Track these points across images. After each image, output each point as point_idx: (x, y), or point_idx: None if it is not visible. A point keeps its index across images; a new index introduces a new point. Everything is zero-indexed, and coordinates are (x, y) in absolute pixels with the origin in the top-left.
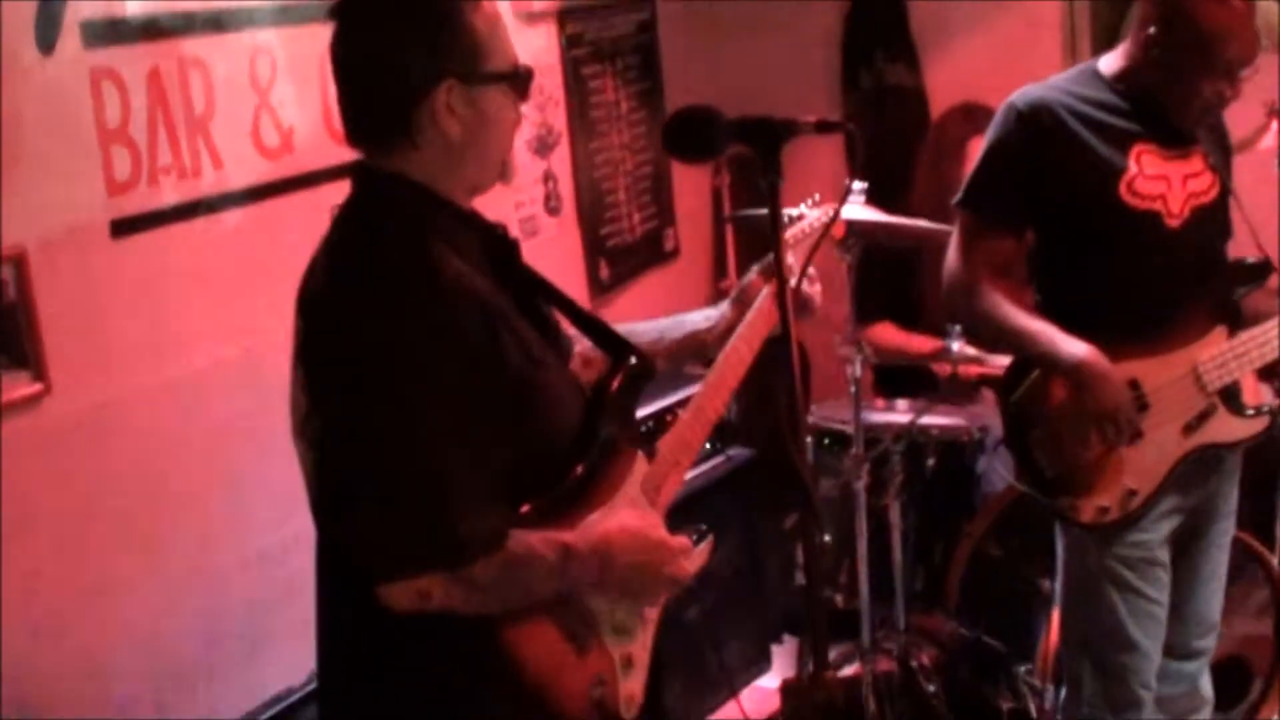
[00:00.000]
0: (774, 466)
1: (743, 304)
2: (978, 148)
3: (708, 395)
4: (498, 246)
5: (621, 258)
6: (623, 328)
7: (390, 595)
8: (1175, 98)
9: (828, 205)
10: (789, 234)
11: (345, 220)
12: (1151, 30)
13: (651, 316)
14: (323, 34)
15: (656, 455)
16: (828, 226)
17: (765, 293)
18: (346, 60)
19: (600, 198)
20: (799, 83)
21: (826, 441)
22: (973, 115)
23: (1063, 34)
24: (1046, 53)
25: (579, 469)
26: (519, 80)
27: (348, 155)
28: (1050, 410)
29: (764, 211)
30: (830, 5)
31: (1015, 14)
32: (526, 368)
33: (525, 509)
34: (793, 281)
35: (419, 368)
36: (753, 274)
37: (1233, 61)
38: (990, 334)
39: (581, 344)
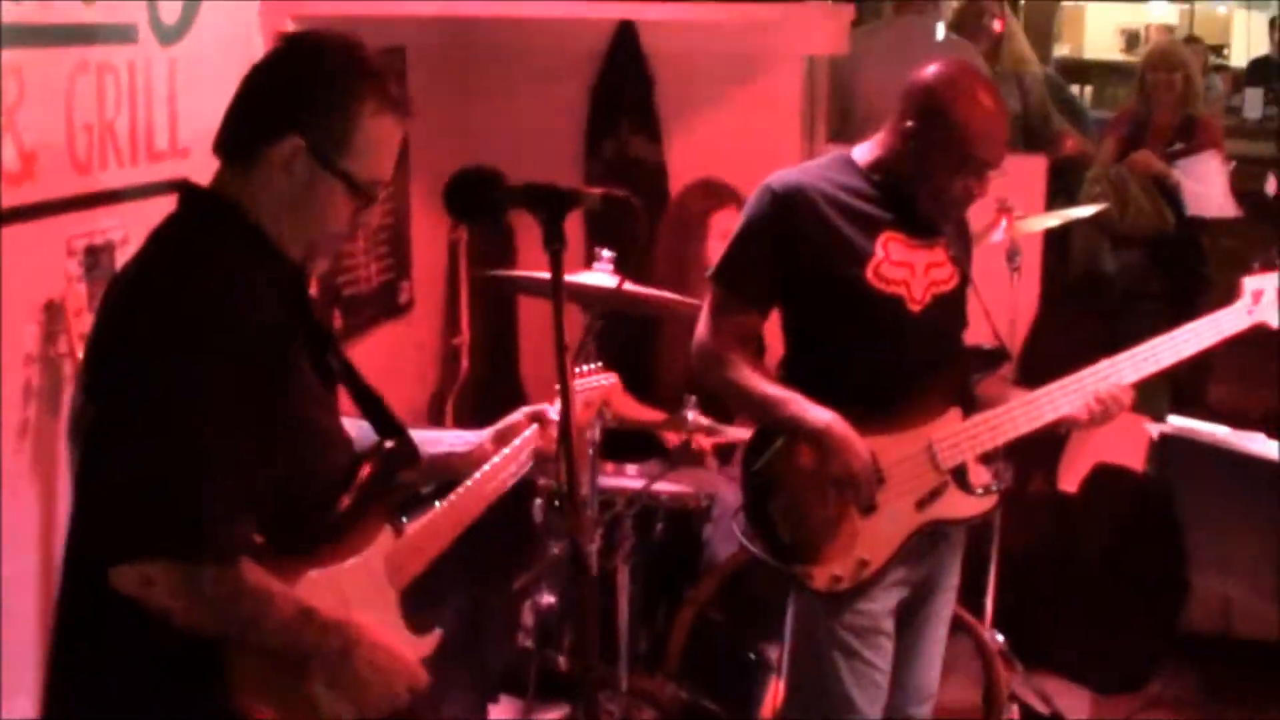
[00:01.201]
0: (500, 526)
1: (503, 439)
2: (718, 222)
3: (466, 500)
4: (299, 295)
5: (356, 308)
6: None
7: (118, 577)
8: (927, 191)
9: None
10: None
11: (163, 233)
12: (910, 124)
13: (384, 369)
14: (71, 57)
15: (403, 536)
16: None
17: (526, 437)
18: (253, 75)
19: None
20: (543, 147)
21: (556, 503)
22: (713, 191)
23: (801, 117)
24: (785, 133)
25: (323, 521)
26: (360, 194)
27: (92, 184)
28: (793, 476)
29: (526, 274)
30: (578, 74)
31: (756, 95)
32: (304, 406)
33: (260, 539)
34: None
35: (199, 377)
36: (519, 415)
37: (985, 161)
38: (739, 401)
39: None
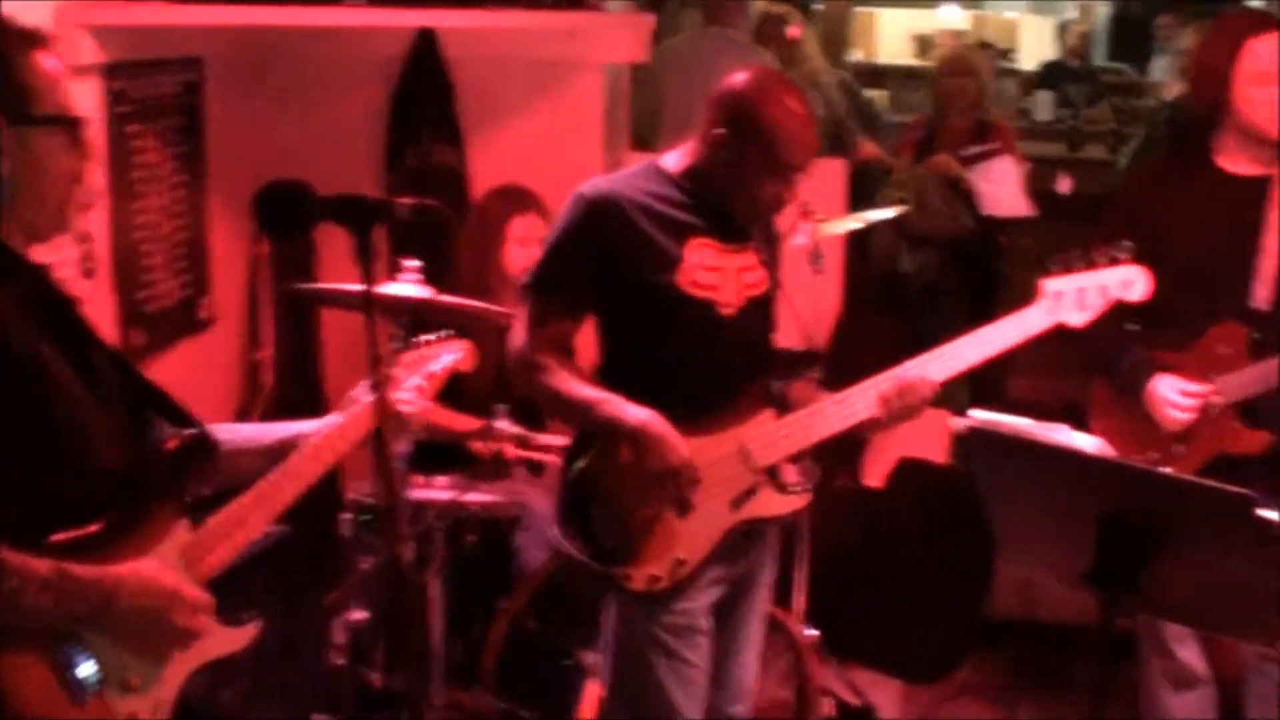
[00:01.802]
0: (312, 544)
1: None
2: (516, 228)
3: (279, 481)
4: (48, 295)
5: (156, 324)
6: (226, 428)
7: None
8: (738, 197)
9: (457, 342)
10: (408, 356)
11: None
12: (720, 131)
13: (185, 386)
14: None
15: (205, 527)
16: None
17: (361, 401)
18: None
19: (137, 261)
20: (344, 157)
21: (365, 517)
22: (511, 196)
23: (602, 124)
24: (586, 141)
25: (108, 519)
26: (70, 126)
27: None
28: (612, 477)
29: (331, 286)
30: (379, 82)
31: (557, 102)
32: (58, 407)
33: (52, 539)
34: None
35: None
36: (362, 386)
37: (794, 166)
38: (557, 407)
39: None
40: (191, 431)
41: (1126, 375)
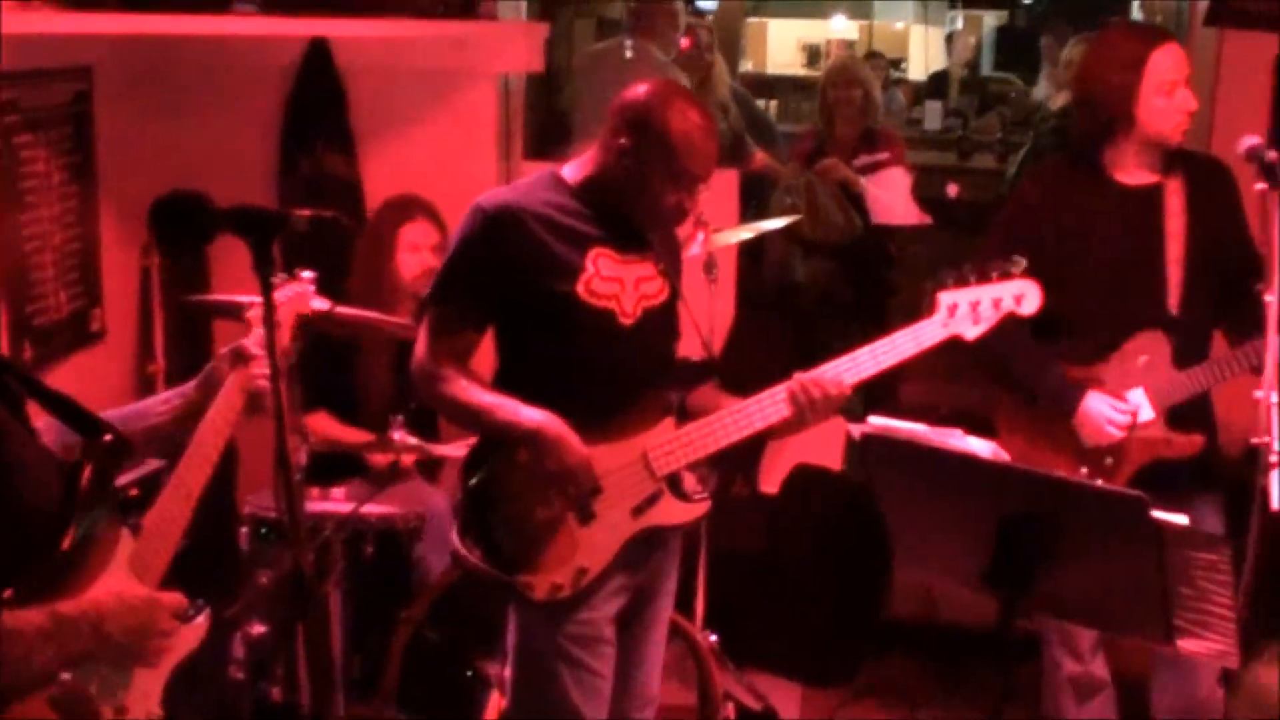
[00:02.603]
0: (209, 557)
1: (209, 386)
2: (407, 235)
3: (188, 470)
4: None
5: (47, 338)
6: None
7: None
8: (641, 205)
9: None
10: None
11: None
12: (623, 141)
13: (77, 399)
14: None
15: (142, 532)
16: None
17: (234, 376)
18: None
19: (26, 273)
20: (237, 167)
21: (263, 530)
22: (401, 204)
23: (497, 134)
24: (480, 150)
25: (60, 549)
26: None
27: None
28: (513, 483)
29: (225, 298)
30: (272, 92)
31: (452, 112)
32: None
33: (8, 593)
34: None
35: None
36: (220, 356)
37: (695, 175)
38: (457, 415)
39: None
40: (107, 439)
41: (1053, 393)
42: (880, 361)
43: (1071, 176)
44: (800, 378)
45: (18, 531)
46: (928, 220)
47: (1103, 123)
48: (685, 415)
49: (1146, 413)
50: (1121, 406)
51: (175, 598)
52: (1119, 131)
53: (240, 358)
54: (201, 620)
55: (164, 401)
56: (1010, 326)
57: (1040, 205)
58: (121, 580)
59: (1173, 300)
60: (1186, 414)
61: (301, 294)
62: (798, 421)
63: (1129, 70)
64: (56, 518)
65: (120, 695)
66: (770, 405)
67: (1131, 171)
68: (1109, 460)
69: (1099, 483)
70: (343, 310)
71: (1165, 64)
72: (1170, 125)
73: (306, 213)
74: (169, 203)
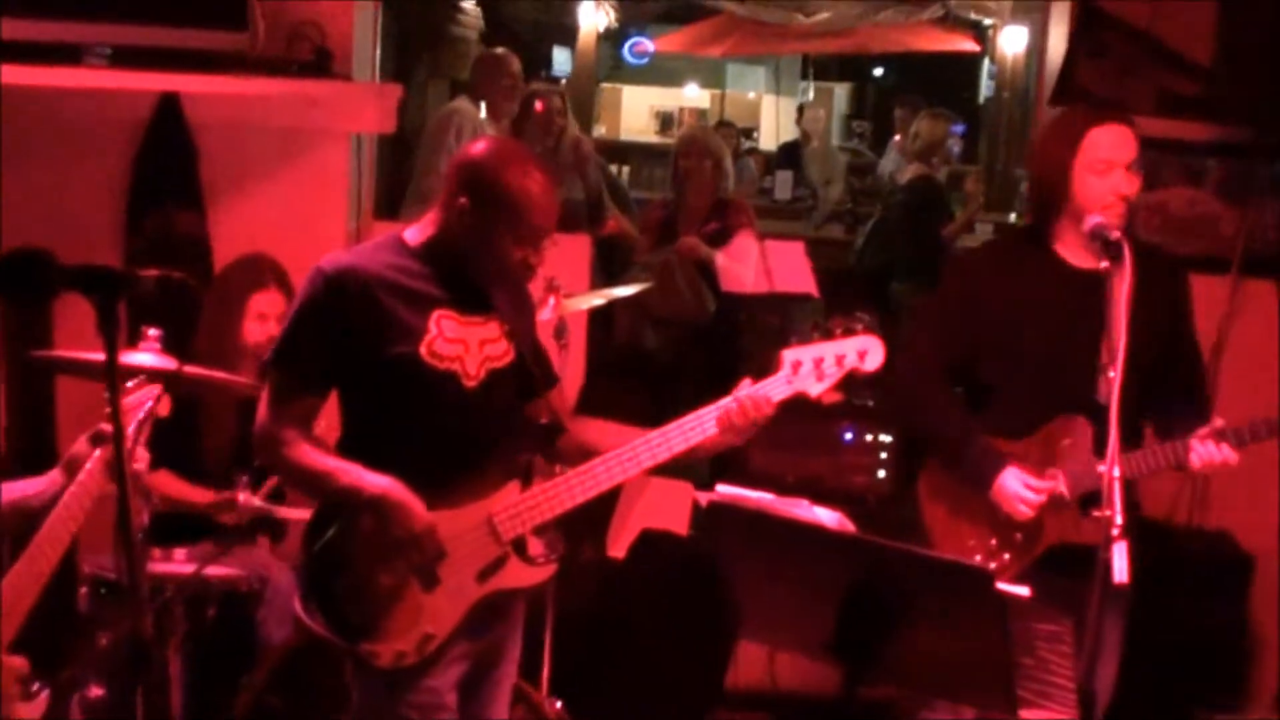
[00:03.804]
0: (48, 618)
1: (72, 469)
2: (257, 304)
3: (41, 548)
4: None
5: None
6: None
7: None
8: (486, 265)
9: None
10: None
11: None
12: (463, 200)
13: None
14: None
15: None
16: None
17: (95, 457)
18: None
19: None
20: (81, 222)
21: (103, 591)
22: (254, 270)
23: (348, 194)
24: (331, 210)
25: None
26: None
27: None
28: (356, 549)
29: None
30: (119, 147)
31: (303, 170)
32: None
33: None
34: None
35: None
36: (81, 441)
37: (538, 229)
38: (299, 480)
39: None
40: None
41: (972, 464)
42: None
43: (1022, 251)
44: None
45: None
46: (814, 292)
47: (1044, 199)
48: (531, 478)
49: (1063, 495)
50: (1036, 485)
51: (20, 664)
52: (1060, 209)
53: (101, 440)
54: (43, 698)
55: (32, 485)
56: (938, 391)
57: (989, 273)
58: None
59: (1105, 388)
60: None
61: (149, 399)
62: (730, 436)
63: (1066, 146)
64: None
65: None
66: (616, 466)
67: (1078, 253)
68: (1019, 536)
69: (979, 562)
70: (191, 369)
71: (1102, 142)
72: (1100, 205)
73: (154, 273)
74: (11, 259)
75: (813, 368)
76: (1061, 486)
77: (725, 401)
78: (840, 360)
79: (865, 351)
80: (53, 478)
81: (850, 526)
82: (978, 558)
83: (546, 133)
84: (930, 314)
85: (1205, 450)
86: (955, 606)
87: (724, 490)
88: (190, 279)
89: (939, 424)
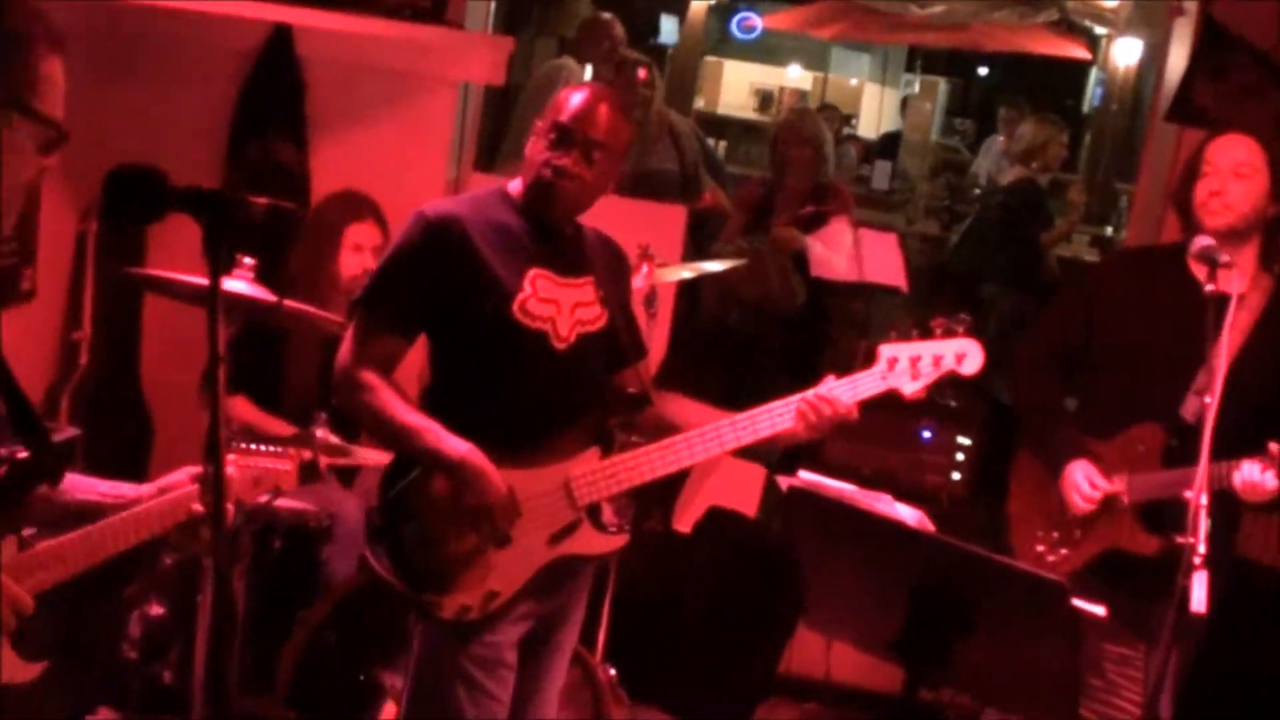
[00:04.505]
0: None
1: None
2: (353, 235)
3: (104, 535)
4: None
5: None
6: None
7: None
8: (528, 180)
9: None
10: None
11: None
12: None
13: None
14: None
15: (29, 551)
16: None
17: (187, 490)
18: None
19: None
20: (185, 144)
21: None
22: (351, 203)
23: (450, 143)
24: (432, 157)
25: None
26: (53, 130)
27: None
28: (429, 506)
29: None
30: (228, 73)
31: (408, 115)
32: None
33: None
34: None
35: None
36: (183, 473)
37: (565, 130)
38: (377, 428)
39: None
40: (39, 453)
41: (1051, 451)
42: None
43: (1159, 262)
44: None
45: None
46: (903, 286)
47: (1180, 210)
48: (612, 446)
49: (1121, 499)
50: (1098, 483)
51: (24, 598)
52: (1189, 226)
53: (202, 482)
54: (37, 668)
55: (112, 489)
56: (1041, 374)
57: (1120, 276)
58: None
59: (1192, 405)
60: (1171, 517)
61: (283, 472)
62: (804, 431)
63: (1195, 158)
64: None
65: None
66: (699, 445)
67: (1205, 269)
68: (1078, 533)
69: (1041, 554)
70: (290, 304)
71: (1211, 149)
72: (1202, 209)
73: (264, 201)
74: (125, 174)
75: (909, 366)
76: (1121, 491)
77: (807, 394)
78: (938, 361)
79: (964, 355)
80: (140, 496)
81: (930, 526)
82: (1040, 548)
83: (634, 101)
84: (1057, 302)
85: (1248, 472)
86: (1028, 618)
87: (806, 477)
88: (299, 211)
89: (1033, 403)
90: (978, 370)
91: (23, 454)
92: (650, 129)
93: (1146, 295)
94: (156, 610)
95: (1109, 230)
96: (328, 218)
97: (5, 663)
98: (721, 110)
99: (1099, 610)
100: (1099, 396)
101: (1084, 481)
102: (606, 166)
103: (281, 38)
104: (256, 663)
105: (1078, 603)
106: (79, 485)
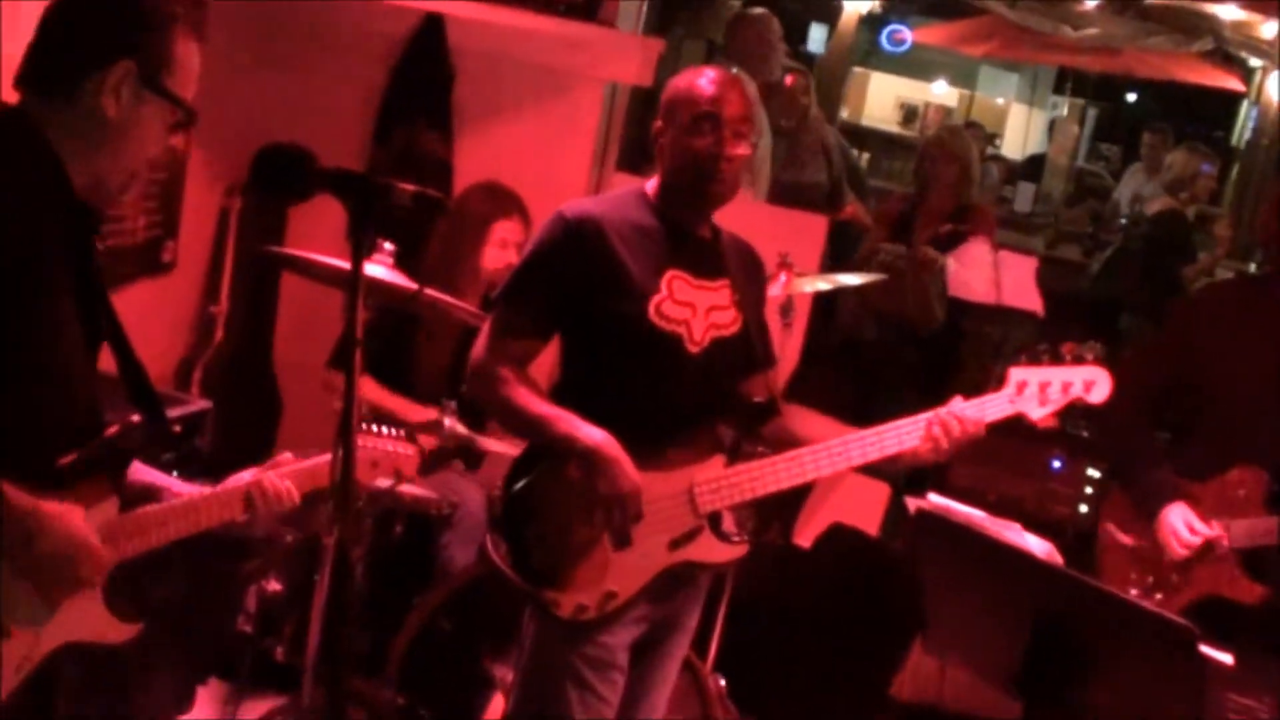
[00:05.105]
0: None
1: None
2: (499, 230)
3: (207, 505)
4: (85, 244)
5: (117, 260)
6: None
7: None
8: (684, 172)
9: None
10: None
11: None
12: (657, 125)
13: (135, 327)
14: None
15: (130, 514)
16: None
17: (246, 481)
18: (63, 6)
19: None
20: (332, 127)
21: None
22: (499, 197)
23: (594, 141)
24: (576, 155)
25: (47, 465)
26: (183, 112)
27: None
28: (557, 498)
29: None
30: (379, 59)
31: (555, 111)
32: (54, 346)
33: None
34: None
35: None
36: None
37: (709, 115)
38: (511, 420)
39: None
40: (148, 421)
41: (1146, 494)
42: None
43: (1256, 297)
44: (938, 412)
45: (34, 423)
46: (1039, 311)
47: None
48: (739, 454)
49: (1222, 545)
50: (1197, 527)
51: (110, 558)
52: None
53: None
54: (131, 630)
55: (177, 484)
56: (1135, 415)
57: (1216, 312)
58: (79, 519)
59: None
60: (1266, 563)
61: (404, 456)
62: (930, 453)
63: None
64: (70, 437)
65: (11, 619)
66: (825, 458)
67: None
68: (1175, 577)
69: (1149, 604)
70: (431, 294)
71: None
72: None
73: (411, 188)
74: (276, 152)
75: (1038, 390)
76: (1221, 537)
77: (938, 411)
78: (1066, 387)
79: (1093, 382)
80: (192, 490)
81: (1059, 559)
82: (1133, 592)
83: (789, 111)
84: (1152, 342)
85: None
86: (1154, 660)
87: (936, 500)
88: (445, 200)
89: (1126, 447)
90: (1106, 399)
91: (137, 418)
92: (805, 140)
93: (1246, 329)
94: (274, 586)
95: (1252, 266)
96: (474, 210)
97: (98, 620)
98: (865, 122)
99: (1226, 658)
100: (1195, 436)
101: (1183, 526)
102: (750, 144)
103: (433, 26)
104: (370, 645)
105: (1206, 649)
106: (138, 468)
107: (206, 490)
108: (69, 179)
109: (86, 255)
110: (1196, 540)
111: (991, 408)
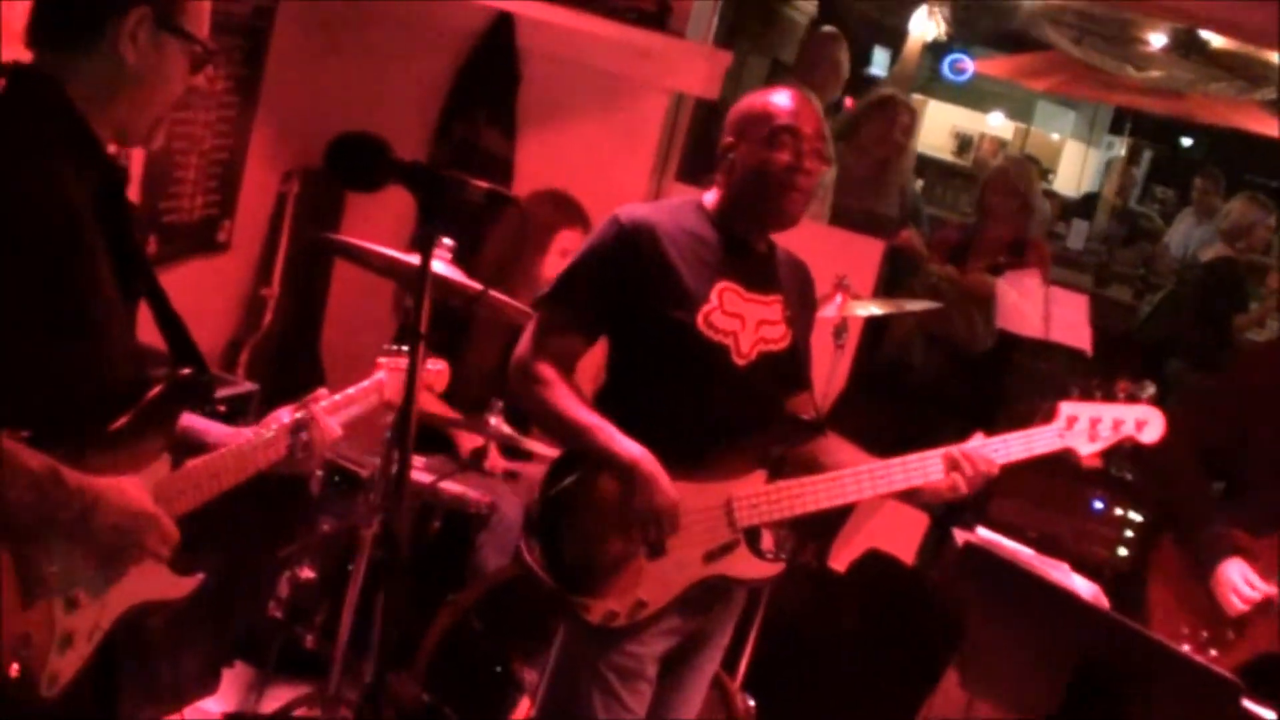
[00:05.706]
0: (275, 491)
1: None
2: (562, 240)
3: (256, 449)
4: (115, 198)
5: (173, 237)
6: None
7: None
8: (757, 190)
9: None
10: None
11: None
12: (728, 141)
13: (187, 304)
14: None
15: (181, 470)
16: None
17: (286, 431)
18: None
19: (168, 171)
20: (395, 118)
21: (337, 479)
22: (565, 207)
23: (656, 150)
24: (637, 162)
25: (97, 430)
26: (201, 50)
27: None
28: (592, 505)
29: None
30: (446, 54)
31: (618, 118)
32: (91, 306)
33: (27, 433)
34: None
35: None
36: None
37: (787, 126)
38: (550, 423)
39: None
40: (195, 373)
41: (1202, 547)
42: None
43: None
44: (960, 448)
45: (77, 391)
46: (1088, 349)
47: None
48: (781, 471)
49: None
50: (1257, 584)
51: (174, 530)
52: None
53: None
54: (190, 582)
55: (236, 434)
56: (1189, 468)
57: (1274, 362)
58: (135, 487)
59: None
60: None
61: (433, 373)
62: (950, 491)
63: None
64: (117, 401)
65: (79, 590)
66: (868, 480)
67: None
68: (1231, 634)
69: (1188, 652)
70: (494, 295)
71: None
72: None
73: (484, 186)
74: (351, 140)
75: (1088, 426)
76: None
77: (949, 449)
78: (1118, 425)
79: (1145, 422)
80: (261, 435)
81: (1104, 603)
82: (1186, 646)
83: (884, 141)
84: (1208, 393)
85: None
86: (1195, 711)
87: (984, 534)
88: (517, 202)
89: (1182, 498)
90: (1157, 440)
91: (184, 372)
92: (890, 173)
93: None
94: (307, 574)
95: None
96: (540, 217)
97: (160, 579)
98: (920, 149)
99: (1270, 715)
100: (1252, 491)
101: (1242, 582)
102: (827, 161)
103: (503, 25)
104: (400, 640)
105: (1249, 704)
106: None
107: (250, 434)
108: (96, 136)
109: (118, 211)
110: (1256, 596)
111: (1039, 441)
